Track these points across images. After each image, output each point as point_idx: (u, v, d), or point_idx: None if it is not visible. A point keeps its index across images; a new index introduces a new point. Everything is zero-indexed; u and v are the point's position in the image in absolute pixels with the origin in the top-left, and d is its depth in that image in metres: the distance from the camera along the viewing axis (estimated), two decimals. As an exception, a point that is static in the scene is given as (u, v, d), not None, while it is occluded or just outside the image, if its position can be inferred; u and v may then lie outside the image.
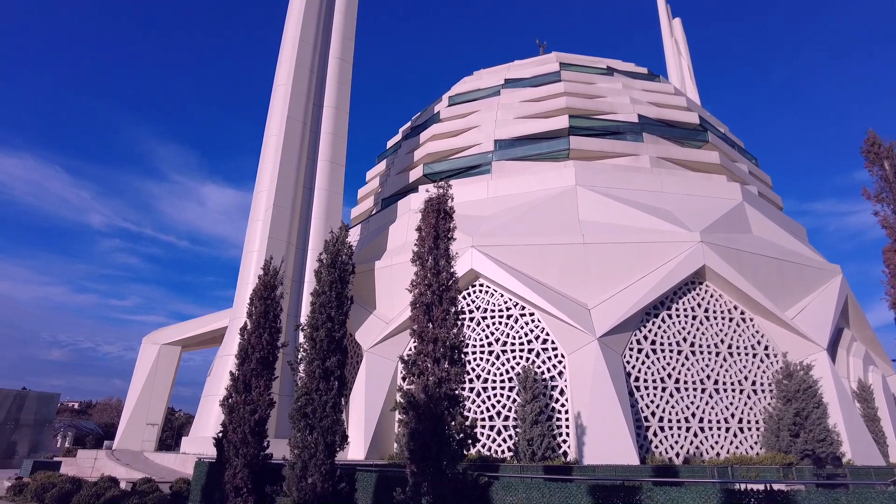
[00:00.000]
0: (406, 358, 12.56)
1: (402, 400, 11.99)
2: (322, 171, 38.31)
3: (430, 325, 12.70)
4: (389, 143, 53.85)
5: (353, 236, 44.51)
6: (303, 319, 16.56)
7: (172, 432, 66.96)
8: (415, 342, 12.82)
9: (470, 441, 12.00)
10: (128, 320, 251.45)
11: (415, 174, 42.97)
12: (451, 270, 13.31)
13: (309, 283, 35.37)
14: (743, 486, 9.41)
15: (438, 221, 13.55)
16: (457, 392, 12.24)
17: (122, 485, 22.21)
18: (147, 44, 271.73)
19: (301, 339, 15.63)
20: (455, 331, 12.58)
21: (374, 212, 47.29)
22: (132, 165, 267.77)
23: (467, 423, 11.96)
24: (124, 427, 39.79)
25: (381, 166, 51.92)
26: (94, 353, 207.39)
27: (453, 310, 12.82)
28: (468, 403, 29.92)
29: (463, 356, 12.72)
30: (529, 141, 40.15)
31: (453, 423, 11.89)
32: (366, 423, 30.71)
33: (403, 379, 32.79)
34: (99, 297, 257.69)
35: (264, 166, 37.63)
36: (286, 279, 33.20)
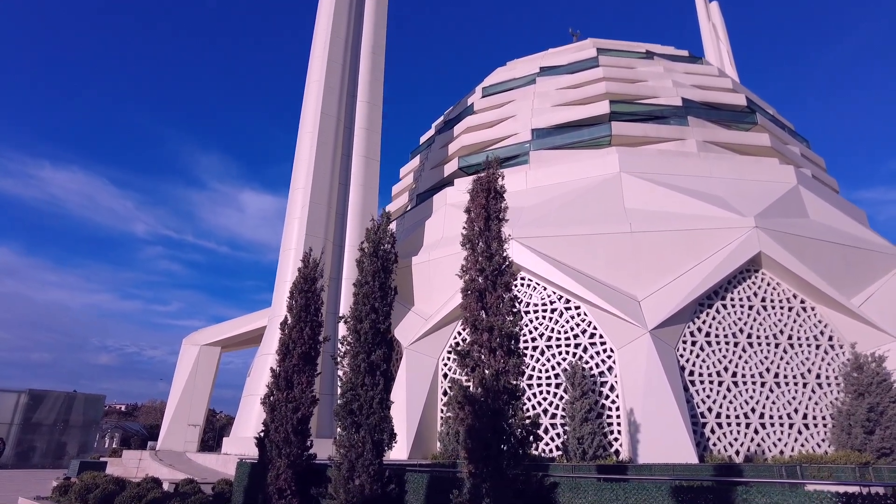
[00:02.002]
0: (459, 349, 11.57)
1: (456, 394, 11.00)
2: (357, 166, 37.75)
3: (484, 313, 11.68)
4: (423, 139, 53.08)
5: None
6: (343, 313, 15.80)
7: (214, 433, 67.81)
8: (467, 332, 11.82)
9: (532, 438, 10.94)
10: (171, 325, 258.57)
11: (449, 168, 42.05)
12: (505, 254, 12.27)
13: (347, 281, 34.83)
14: (880, 490, 8.09)
15: (489, 201, 12.52)
16: (516, 385, 11.20)
17: (165, 486, 21.89)
18: (186, 52, 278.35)
19: (343, 332, 14.84)
20: (511, 318, 11.53)
21: (408, 208, 46.57)
22: (173, 175, 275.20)
23: (529, 418, 10.90)
24: (167, 428, 40.00)
25: (415, 162, 51.18)
26: (139, 357, 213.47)
27: (508, 296, 11.77)
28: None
29: (521, 346, 11.68)
30: (568, 129, 38.76)
31: (514, 418, 10.86)
32: (408, 422, 29.90)
33: (445, 376, 32.13)
34: (144, 304, 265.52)
35: (299, 164, 37.27)
36: (326, 278, 32.70)
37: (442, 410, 31.16)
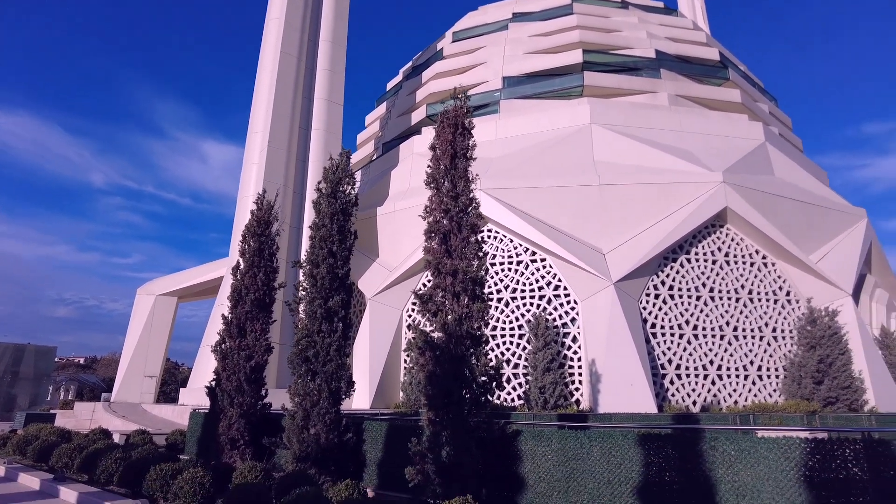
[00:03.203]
0: (421, 294, 10.91)
1: (417, 339, 10.41)
2: (319, 110, 35.99)
3: (448, 256, 11.00)
4: (389, 85, 51.08)
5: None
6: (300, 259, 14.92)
7: (177, 385, 66.71)
8: (430, 276, 11.15)
9: (495, 385, 10.50)
10: (132, 278, 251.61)
11: (417, 116, 40.61)
12: (471, 195, 11.52)
13: (308, 230, 33.56)
14: (824, 435, 7.90)
15: (455, 138, 11.66)
16: (479, 330, 10.67)
17: (116, 437, 21.06)
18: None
19: (301, 278, 14.01)
20: (477, 262, 10.89)
21: (374, 157, 45.11)
22: (131, 122, 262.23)
23: (492, 364, 10.42)
24: (122, 380, 38.80)
25: (381, 109, 49.35)
26: (99, 310, 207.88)
27: (474, 238, 11.09)
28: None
29: (485, 291, 11.10)
30: (540, 78, 37.63)
31: (476, 365, 10.36)
32: (370, 373, 29.60)
33: (409, 328, 31.73)
34: (103, 256, 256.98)
35: (258, 106, 35.34)
36: (284, 224, 31.47)
37: (405, 361, 30.92)
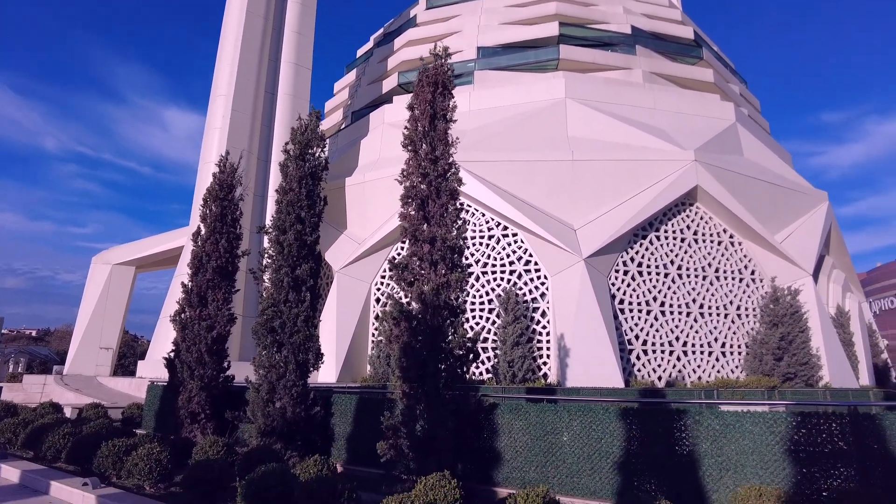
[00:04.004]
0: (396, 262, 10.34)
1: (392, 309, 9.88)
2: (286, 74, 34.52)
3: (426, 223, 10.44)
4: (360, 52, 49.45)
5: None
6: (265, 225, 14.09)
7: (136, 358, 64.72)
8: (406, 243, 10.59)
9: (472, 357, 10.09)
10: (89, 248, 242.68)
11: (388, 84, 39.43)
12: (451, 159, 10.94)
13: (273, 198, 32.47)
14: (812, 409, 7.77)
15: (435, 97, 11.01)
16: (457, 301, 10.21)
17: (67, 411, 20.07)
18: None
19: (266, 245, 13.25)
20: (456, 230, 10.37)
21: (343, 126, 43.79)
22: (86, 85, 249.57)
23: (469, 336, 9.99)
24: (75, 351, 37.14)
25: (351, 76, 47.83)
26: (53, 281, 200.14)
27: (453, 205, 10.56)
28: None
29: (464, 259, 10.64)
30: (515, 49, 36.88)
31: (454, 336, 9.92)
32: (337, 346, 29.00)
33: (378, 301, 31.19)
34: (56, 225, 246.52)
35: (222, 67, 33.63)
36: (248, 190, 30.24)
37: (373, 335, 30.42)
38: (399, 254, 30.69)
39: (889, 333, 64.96)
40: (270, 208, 32.17)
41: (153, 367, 28.63)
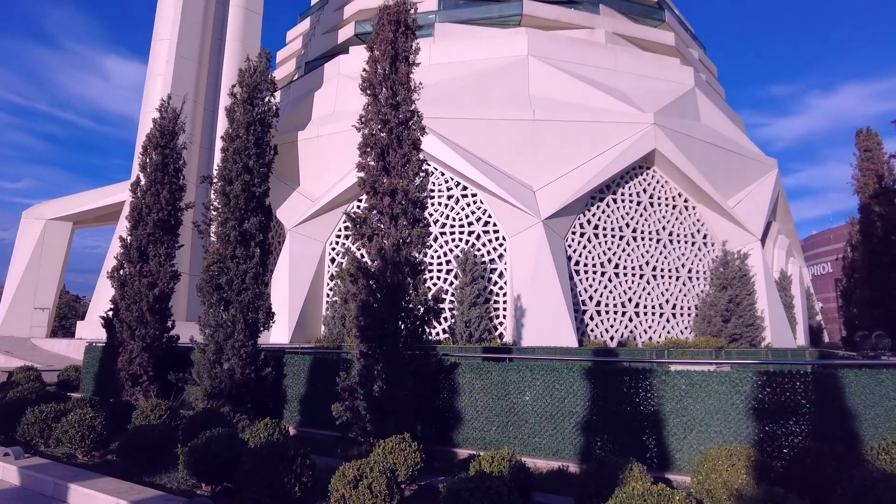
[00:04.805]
0: (354, 215, 9.69)
1: (350, 266, 9.28)
2: (235, 18, 32.32)
3: (386, 174, 9.78)
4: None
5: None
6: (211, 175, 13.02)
7: (77, 319, 61.89)
8: (365, 196, 9.92)
9: (433, 316, 9.66)
10: (23, 204, 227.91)
11: (344, 34, 37.58)
12: (413, 106, 10.23)
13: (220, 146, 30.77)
14: (788, 368, 7.72)
15: (397, 38, 10.18)
16: (419, 258, 9.69)
17: (-5, 373, 18.71)
18: None
19: (212, 196, 12.30)
20: (419, 182, 9.76)
21: (295, 77, 41.74)
22: (16, 28, 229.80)
23: (432, 294, 9.54)
24: (6, 312, 34.90)
25: (305, 25, 45.42)
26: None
27: (416, 155, 9.91)
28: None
29: (427, 215, 10.08)
30: (478, 2, 35.63)
31: (416, 294, 9.43)
32: (290, 306, 28.17)
33: (332, 261, 30.36)
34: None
35: (164, 9, 31.14)
36: (193, 138, 28.49)
37: (328, 295, 29.71)
38: (356, 210, 29.84)
39: (821, 297, 68.64)
40: (218, 161, 30.53)
41: (93, 328, 27.13)
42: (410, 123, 10.10)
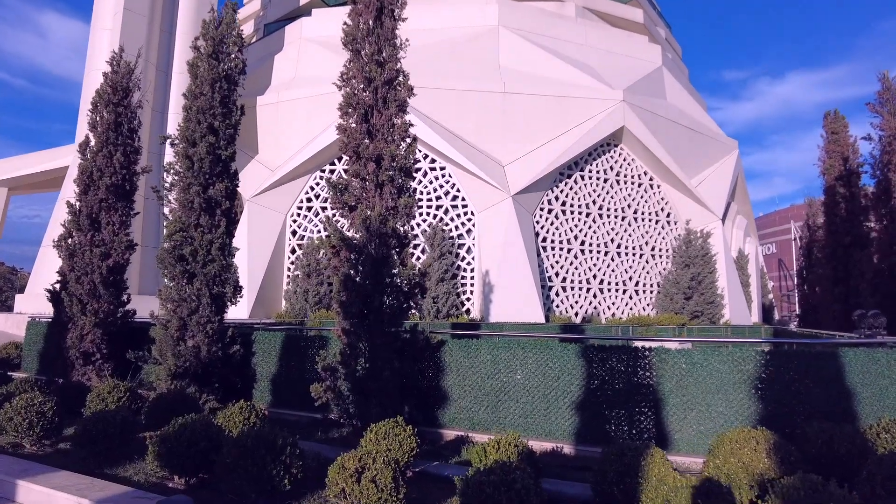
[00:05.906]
0: (335, 183, 8.96)
1: (332, 236, 8.58)
2: (188, -27, 30.14)
3: (369, 138, 9.06)
4: (273, -42, 44.39)
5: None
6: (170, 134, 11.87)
7: (15, 292, 58.38)
8: (347, 160, 9.19)
9: (419, 291, 9.10)
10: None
11: (307, -5, 35.75)
12: (399, 65, 9.49)
13: (174, 115, 28.91)
14: (786, 346, 7.55)
15: (383, -11, 9.38)
16: (405, 230, 9.09)
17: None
18: None
19: (172, 159, 11.24)
20: (405, 147, 9.10)
21: (254, 39, 39.62)
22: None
23: (419, 268, 8.98)
24: (-66, 282, 32.36)
25: (263, -15, 42.99)
26: None
27: (402, 118, 9.22)
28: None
29: (414, 184, 9.46)
30: (447, -32, 34.31)
31: (403, 268, 8.85)
32: (248, 280, 26.92)
33: (294, 234, 29.25)
34: None
35: (106, -44, 28.68)
36: (147, 97, 26.56)
37: (289, 269, 28.66)
38: (318, 183, 28.71)
39: (770, 275, 71.52)
40: (172, 126, 28.68)
41: (34, 302, 25.33)
42: (396, 83, 9.39)
